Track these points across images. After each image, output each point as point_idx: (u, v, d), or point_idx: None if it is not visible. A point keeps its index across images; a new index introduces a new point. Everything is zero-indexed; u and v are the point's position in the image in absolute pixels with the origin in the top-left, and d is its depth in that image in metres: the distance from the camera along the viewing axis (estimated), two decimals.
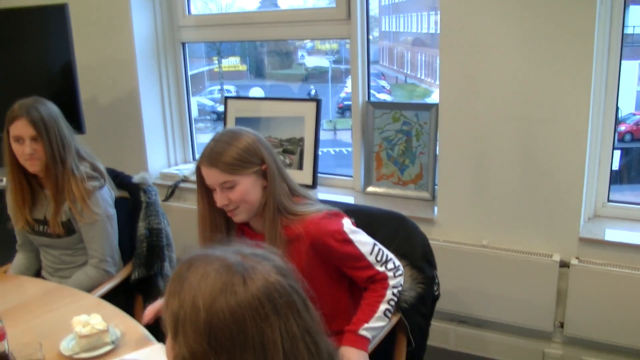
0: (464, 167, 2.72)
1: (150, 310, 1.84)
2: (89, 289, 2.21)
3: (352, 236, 1.76)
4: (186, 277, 0.95)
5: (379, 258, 1.79)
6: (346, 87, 4.15)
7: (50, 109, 2.26)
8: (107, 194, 2.34)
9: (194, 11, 3.57)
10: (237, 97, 3.50)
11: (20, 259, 2.45)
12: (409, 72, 4.13)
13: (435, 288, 2.07)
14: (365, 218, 2.07)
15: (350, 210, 1.96)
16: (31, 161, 2.20)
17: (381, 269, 1.79)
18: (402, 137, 3.01)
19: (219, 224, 1.84)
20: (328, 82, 4.31)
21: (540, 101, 2.50)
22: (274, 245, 1.71)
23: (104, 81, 3.56)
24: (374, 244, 1.80)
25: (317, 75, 4.32)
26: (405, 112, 3.00)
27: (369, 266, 1.78)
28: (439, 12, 2.64)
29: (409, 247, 2.02)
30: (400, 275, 1.83)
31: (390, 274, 1.80)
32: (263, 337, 0.91)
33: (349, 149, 4.12)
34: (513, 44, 2.49)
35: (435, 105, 2.87)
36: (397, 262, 1.84)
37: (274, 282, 0.94)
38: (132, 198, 2.47)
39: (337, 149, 4.32)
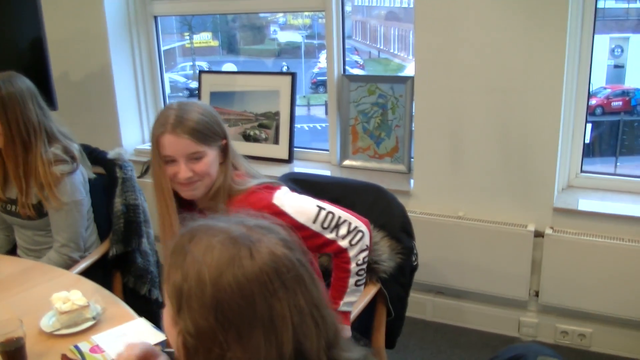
0: (439, 140, 2.74)
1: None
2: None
3: (285, 207, 1.62)
4: (189, 249, 0.91)
5: (326, 225, 1.64)
6: (319, 62, 4.14)
7: (18, 87, 2.15)
8: (78, 179, 2.24)
9: None
10: (212, 72, 3.47)
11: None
12: (382, 47, 4.13)
13: (414, 259, 2.08)
14: (343, 190, 2.09)
15: (328, 183, 1.97)
16: None
17: (331, 236, 1.64)
18: (377, 110, 3.02)
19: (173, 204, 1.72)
20: (301, 58, 4.29)
21: (514, 74, 2.52)
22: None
23: (75, 56, 3.49)
24: (319, 210, 1.64)
25: (289, 50, 4.29)
26: (381, 85, 3.00)
27: (316, 235, 1.63)
28: None
29: (387, 218, 2.02)
30: (359, 239, 1.67)
31: (345, 243, 1.66)
32: (272, 311, 0.88)
33: (323, 125, 4.12)
34: (488, 16, 2.50)
35: (411, 78, 2.88)
36: (355, 223, 1.67)
37: (281, 256, 0.91)
38: (107, 174, 2.44)
39: (311, 125, 4.31)
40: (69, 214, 2.21)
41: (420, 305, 2.99)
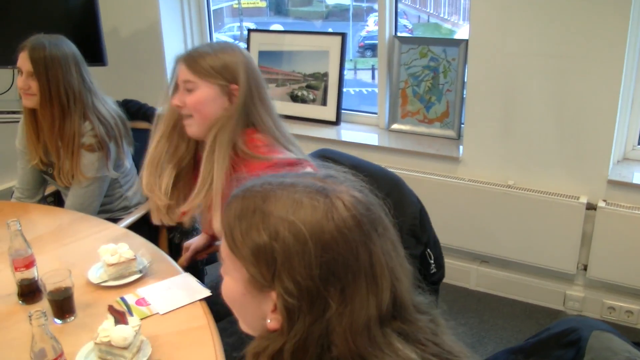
0: (492, 105, 2.66)
1: (187, 256, 1.88)
2: None
3: None
4: (267, 209, 0.87)
5: None
6: (367, 25, 4.06)
7: (63, 51, 2.15)
8: (105, 157, 2.23)
9: None
10: (261, 30, 3.42)
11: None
12: (432, 11, 4.01)
13: (432, 268, 1.88)
14: (360, 172, 1.95)
15: (352, 165, 1.87)
16: (25, 95, 2.15)
17: None
18: (428, 73, 2.94)
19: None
20: (349, 20, 4.21)
21: (574, 39, 2.41)
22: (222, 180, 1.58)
23: (125, 12, 3.50)
24: None
25: (337, 12, 4.22)
26: (433, 48, 2.92)
27: None
28: None
29: (396, 216, 1.86)
30: None
31: None
32: (372, 257, 0.86)
33: (369, 89, 4.06)
34: None
35: (465, 41, 2.79)
36: None
37: (364, 201, 0.89)
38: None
39: (358, 89, 4.26)
40: (88, 189, 2.23)
41: (464, 274, 2.95)
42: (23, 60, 2.12)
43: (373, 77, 4.07)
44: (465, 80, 2.76)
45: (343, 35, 3.12)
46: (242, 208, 0.89)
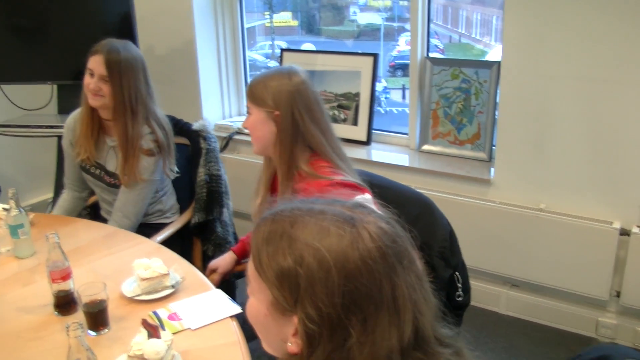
0: (524, 128, 2.65)
1: (215, 280, 1.94)
2: None
3: None
4: (294, 234, 0.88)
5: None
6: (398, 45, 4.07)
7: (135, 57, 2.25)
8: (160, 162, 2.33)
9: None
10: (293, 50, 3.47)
11: (65, 200, 2.48)
12: (463, 32, 4.01)
13: (459, 293, 1.87)
14: (394, 195, 1.89)
15: (383, 186, 1.87)
16: (93, 95, 2.21)
17: None
18: (460, 95, 2.95)
19: None
20: (380, 40, 4.23)
21: (609, 63, 2.40)
22: (283, 189, 1.72)
23: (162, 31, 3.57)
24: None
25: (369, 32, 4.24)
26: (465, 70, 2.92)
27: None
28: None
29: (426, 238, 1.80)
30: None
31: None
32: (395, 290, 0.86)
33: (399, 109, 4.06)
34: (581, 0, 2.38)
35: (497, 63, 2.79)
36: None
37: (391, 233, 0.90)
38: (192, 145, 2.52)
39: (388, 109, 4.26)
40: (142, 191, 2.30)
41: (493, 297, 2.93)
42: (97, 63, 2.19)
43: (403, 97, 4.08)
44: (497, 102, 2.76)
45: (375, 56, 3.14)
46: (270, 231, 0.91)
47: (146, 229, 2.34)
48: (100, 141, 2.35)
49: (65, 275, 1.60)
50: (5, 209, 2.05)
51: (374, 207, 0.96)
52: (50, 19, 3.23)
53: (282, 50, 3.45)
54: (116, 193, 2.35)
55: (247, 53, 3.73)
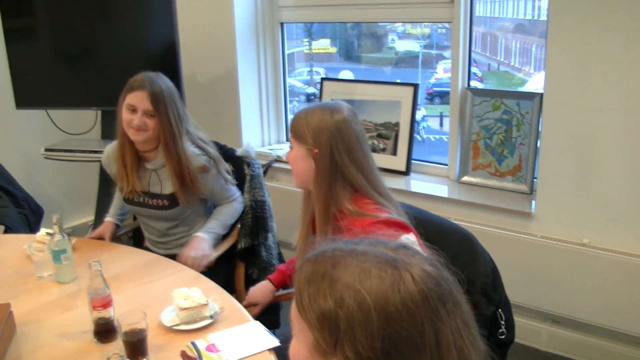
0: (567, 161, 2.60)
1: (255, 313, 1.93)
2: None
3: None
4: (335, 275, 0.87)
5: None
6: (436, 72, 4.06)
7: (171, 88, 2.30)
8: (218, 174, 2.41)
9: None
10: (333, 79, 3.49)
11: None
12: (502, 60, 3.99)
13: (502, 330, 1.83)
14: (435, 228, 1.90)
15: (423, 219, 1.86)
16: (137, 131, 2.23)
17: None
18: (501, 126, 2.92)
19: None
20: (418, 67, 4.22)
21: None
22: (322, 233, 1.70)
23: (204, 59, 3.63)
24: None
25: (407, 59, 4.24)
26: (506, 101, 2.90)
27: None
28: None
29: (468, 274, 1.71)
30: None
31: None
32: (438, 335, 0.84)
33: (437, 136, 4.03)
34: (627, 31, 2.35)
35: (539, 94, 2.76)
36: None
37: (435, 276, 0.88)
38: (236, 170, 2.55)
39: (425, 136, 4.24)
40: (218, 181, 2.40)
41: (534, 334, 2.85)
42: (140, 99, 2.22)
43: (441, 124, 4.05)
44: (540, 134, 2.72)
45: (415, 86, 3.14)
46: (312, 272, 0.90)
47: None
48: (140, 170, 2.37)
49: (106, 303, 1.62)
50: (48, 234, 2.08)
51: (419, 248, 0.94)
52: (96, 46, 3.31)
53: (322, 79, 3.48)
54: (163, 216, 2.38)
55: (288, 80, 3.76)
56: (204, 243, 2.30)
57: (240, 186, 2.54)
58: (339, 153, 1.69)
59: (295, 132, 1.75)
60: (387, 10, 3.23)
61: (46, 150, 3.38)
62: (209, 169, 2.34)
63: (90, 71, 3.28)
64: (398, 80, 3.56)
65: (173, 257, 2.25)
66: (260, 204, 2.54)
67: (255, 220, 2.53)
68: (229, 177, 2.45)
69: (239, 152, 2.57)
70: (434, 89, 4.19)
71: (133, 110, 2.23)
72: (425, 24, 3.79)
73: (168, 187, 2.34)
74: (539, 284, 2.73)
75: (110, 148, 2.44)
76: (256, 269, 2.53)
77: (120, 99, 2.27)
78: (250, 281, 2.51)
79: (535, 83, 3.21)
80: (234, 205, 2.49)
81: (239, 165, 2.56)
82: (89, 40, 3.37)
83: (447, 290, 0.88)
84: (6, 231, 2.72)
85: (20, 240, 2.29)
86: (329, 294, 0.86)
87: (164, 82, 2.29)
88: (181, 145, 2.28)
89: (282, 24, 3.61)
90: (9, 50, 3.33)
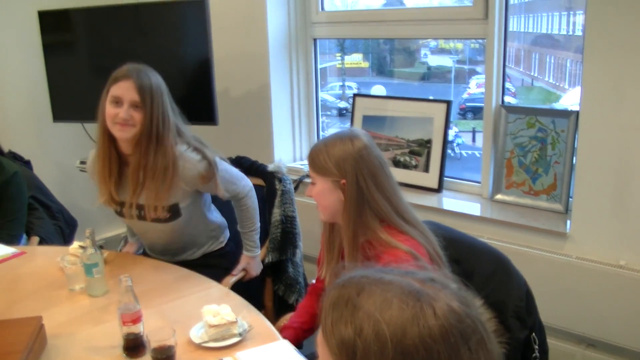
0: (604, 180, 2.54)
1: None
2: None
3: None
4: (358, 302, 0.86)
5: None
6: (469, 88, 4.03)
7: (159, 79, 2.13)
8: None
9: (326, 7, 3.59)
10: (365, 95, 3.48)
11: None
12: (536, 75, 3.94)
13: (535, 355, 1.78)
14: (468, 250, 1.88)
15: (455, 240, 1.84)
16: (122, 126, 2.03)
17: None
18: (536, 144, 2.87)
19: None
20: (450, 82, 4.20)
21: None
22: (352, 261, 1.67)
23: (237, 74, 3.65)
24: None
25: (439, 74, 4.22)
26: (541, 118, 2.85)
27: None
28: (578, 12, 2.48)
29: (501, 296, 1.76)
30: None
31: None
32: None
33: (469, 152, 3.99)
34: None
35: (575, 113, 2.71)
36: None
37: (461, 313, 0.85)
38: (267, 186, 2.56)
39: (457, 150, 4.20)
40: (224, 174, 2.24)
41: (568, 357, 2.79)
42: (126, 89, 2.04)
43: (473, 140, 4.02)
44: (575, 152, 2.67)
45: (448, 103, 3.11)
46: (338, 297, 0.89)
47: (212, 258, 2.39)
48: (125, 179, 2.18)
49: (136, 319, 1.62)
50: (81, 247, 2.11)
51: (448, 281, 0.92)
52: (133, 60, 3.35)
53: (355, 95, 3.47)
54: (164, 229, 2.22)
55: (320, 94, 3.77)
56: (255, 262, 2.37)
57: (271, 201, 2.54)
58: (364, 180, 1.67)
59: (317, 166, 1.72)
60: (421, 26, 3.22)
61: (81, 162, 3.44)
62: (211, 176, 2.15)
63: None
64: (431, 97, 3.53)
65: (182, 264, 2.23)
66: (290, 219, 2.56)
67: (284, 235, 2.55)
68: (229, 170, 2.27)
69: (271, 167, 2.59)
70: (467, 104, 4.16)
71: (117, 102, 2.04)
72: (459, 39, 3.77)
73: (152, 199, 2.12)
74: (573, 306, 2.67)
75: (92, 155, 2.25)
76: (282, 286, 2.55)
77: (102, 94, 2.09)
78: (276, 298, 2.54)
79: (569, 99, 3.15)
80: (247, 204, 2.32)
81: (270, 181, 2.58)
82: (124, 55, 3.40)
83: (471, 327, 0.85)
84: (41, 242, 2.77)
85: (54, 252, 2.32)
86: (350, 321, 0.85)
87: (152, 73, 2.12)
88: (168, 144, 2.07)
89: (315, 39, 3.62)
90: (48, 65, 3.41)
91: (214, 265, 2.37)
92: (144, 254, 2.52)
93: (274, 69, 3.53)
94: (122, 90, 2.04)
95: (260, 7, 3.43)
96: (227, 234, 2.49)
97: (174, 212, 2.19)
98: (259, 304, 2.43)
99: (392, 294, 0.85)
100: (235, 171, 2.32)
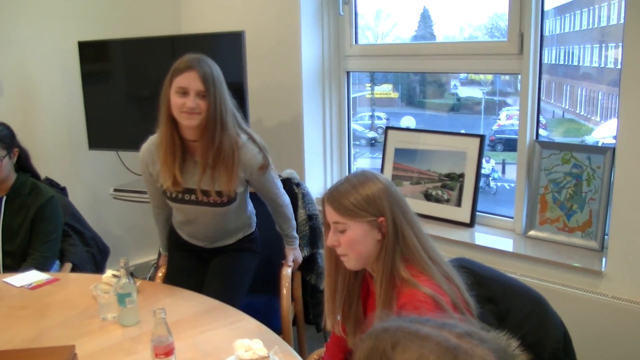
0: None
1: None
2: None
3: None
4: (392, 357, 0.85)
5: None
6: (499, 119, 4.01)
7: (218, 68, 2.24)
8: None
9: (360, 41, 3.61)
10: (397, 128, 3.49)
11: (166, 218, 2.61)
12: (567, 107, 3.91)
13: None
14: (503, 289, 1.83)
15: (490, 278, 1.80)
16: (190, 115, 2.16)
17: None
18: (571, 180, 2.83)
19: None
20: (481, 114, 4.18)
21: None
22: (385, 307, 1.59)
23: (271, 104, 3.69)
24: None
25: (469, 105, 4.21)
26: (576, 154, 2.82)
27: None
28: (610, 45, 2.46)
29: (538, 338, 1.71)
30: None
31: None
32: None
33: (499, 184, 3.95)
34: None
35: (612, 149, 2.67)
36: None
37: None
38: (287, 191, 2.69)
39: (492, 185, 4.17)
40: (271, 175, 2.50)
41: None
42: (191, 80, 2.16)
43: (503, 172, 3.98)
44: (611, 189, 2.62)
45: (481, 137, 3.10)
46: (372, 348, 0.88)
47: (244, 243, 2.58)
48: (188, 165, 2.31)
49: (169, 351, 1.62)
50: (115, 276, 2.12)
51: (485, 335, 0.90)
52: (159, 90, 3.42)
53: (387, 128, 3.48)
54: (219, 213, 2.37)
55: (352, 125, 3.79)
56: (297, 251, 2.71)
57: (294, 203, 2.78)
58: (399, 216, 1.63)
59: (348, 209, 1.63)
60: (455, 61, 3.23)
61: (115, 190, 3.49)
62: (267, 168, 2.37)
63: (150, 115, 3.37)
64: (462, 130, 3.51)
65: (215, 250, 2.52)
66: (314, 217, 2.86)
67: (312, 231, 2.86)
68: (276, 176, 2.55)
69: (284, 174, 2.86)
70: (497, 135, 4.14)
71: (184, 93, 2.16)
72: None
73: (223, 182, 2.28)
74: (610, 347, 2.60)
75: (151, 143, 2.36)
76: (314, 275, 2.87)
77: (164, 85, 2.21)
78: (308, 287, 2.92)
79: (601, 132, 3.13)
80: (287, 213, 2.60)
81: (288, 186, 2.79)
82: (158, 85, 3.47)
83: None
84: (73, 269, 2.80)
85: (87, 280, 2.34)
86: None
87: (211, 62, 2.23)
88: (230, 134, 2.23)
89: (348, 72, 3.64)
90: (85, 94, 3.48)
91: (246, 249, 2.60)
92: (177, 244, 2.60)
93: (307, 100, 3.56)
94: (188, 80, 2.16)
95: (296, 39, 3.47)
96: (255, 219, 2.66)
97: (232, 196, 2.34)
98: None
99: (428, 350, 0.84)
100: (280, 182, 2.59)
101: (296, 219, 2.75)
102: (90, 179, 3.87)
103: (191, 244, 2.58)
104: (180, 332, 1.87)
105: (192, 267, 2.58)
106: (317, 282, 2.86)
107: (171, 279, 2.53)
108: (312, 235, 2.86)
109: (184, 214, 2.47)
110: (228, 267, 2.52)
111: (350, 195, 1.63)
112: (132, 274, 2.05)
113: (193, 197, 2.34)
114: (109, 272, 2.22)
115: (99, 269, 2.99)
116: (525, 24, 2.83)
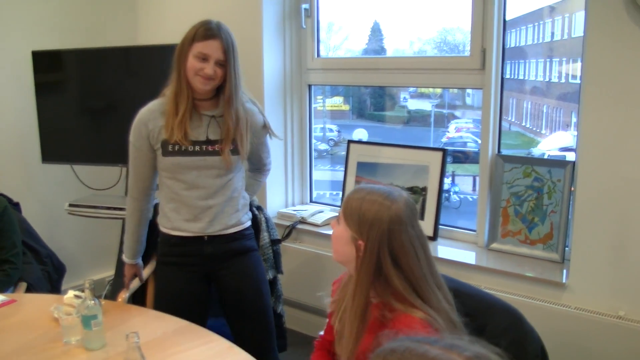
0: (601, 230, 2.55)
1: None
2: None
3: None
4: None
5: None
6: (448, 132, 4.06)
7: (234, 37, 2.29)
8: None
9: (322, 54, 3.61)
10: (360, 142, 3.49)
11: (147, 210, 2.45)
12: (513, 120, 4.01)
13: None
14: (478, 304, 1.82)
15: (466, 293, 1.79)
16: (206, 80, 2.22)
17: None
18: (532, 193, 2.88)
19: None
20: (430, 126, 4.24)
21: None
22: (353, 319, 1.58)
23: None
24: None
25: (418, 118, 4.26)
26: (538, 168, 2.87)
27: None
28: (555, 59, 2.52)
29: (517, 353, 1.66)
30: None
31: None
32: None
33: (460, 196, 4.00)
34: None
35: (572, 163, 2.73)
36: None
37: None
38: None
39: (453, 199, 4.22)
40: (266, 146, 2.60)
41: None
42: (215, 49, 2.20)
43: (452, 183, 4.03)
44: (571, 202, 2.68)
45: (444, 151, 3.13)
46: None
47: (246, 240, 2.50)
48: (195, 119, 2.32)
49: None
50: (77, 297, 2.04)
51: (495, 358, 0.89)
52: (121, 103, 3.34)
53: (349, 141, 3.48)
54: (215, 162, 2.31)
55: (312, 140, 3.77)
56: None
57: (257, 227, 2.71)
58: (385, 256, 1.54)
59: (346, 211, 1.61)
60: (417, 75, 3.25)
61: (70, 205, 3.38)
62: (268, 126, 2.47)
63: (115, 128, 3.27)
64: (413, 144, 3.54)
65: (216, 255, 2.39)
66: (276, 242, 2.85)
67: (275, 255, 2.84)
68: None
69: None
70: (446, 148, 4.19)
71: (204, 59, 2.20)
72: None
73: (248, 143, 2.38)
74: (572, 357, 2.65)
75: (153, 104, 2.38)
76: (273, 298, 2.79)
77: (183, 44, 2.24)
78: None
79: (547, 144, 3.30)
80: (270, 165, 2.69)
81: (251, 209, 2.60)
82: (113, 97, 3.40)
83: None
84: (28, 288, 2.68)
85: (46, 301, 2.24)
86: None
87: (229, 31, 2.28)
88: (240, 100, 2.32)
89: (310, 85, 3.63)
90: (39, 105, 3.37)
91: (247, 250, 2.49)
92: (169, 255, 2.44)
93: (268, 114, 3.47)
94: (211, 49, 2.20)
95: (257, 52, 3.44)
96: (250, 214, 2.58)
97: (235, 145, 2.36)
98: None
99: None
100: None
101: (259, 243, 2.75)
102: (44, 194, 3.73)
103: (185, 246, 2.38)
104: (151, 354, 1.79)
105: (194, 290, 2.42)
106: (275, 305, 2.82)
107: (168, 304, 2.33)
108: (276, 258, 2.85)
109: (186, 177, 2.33)
110: (247, 288, 2.48)
111: (355, 202, 1.60)
112: (99, 298, 1.98)
113: (197, 147, 2.31)
114: (70, 293, 2.13)
115: (54, 288, 2.89)
116: (487, 40, 2.88)
